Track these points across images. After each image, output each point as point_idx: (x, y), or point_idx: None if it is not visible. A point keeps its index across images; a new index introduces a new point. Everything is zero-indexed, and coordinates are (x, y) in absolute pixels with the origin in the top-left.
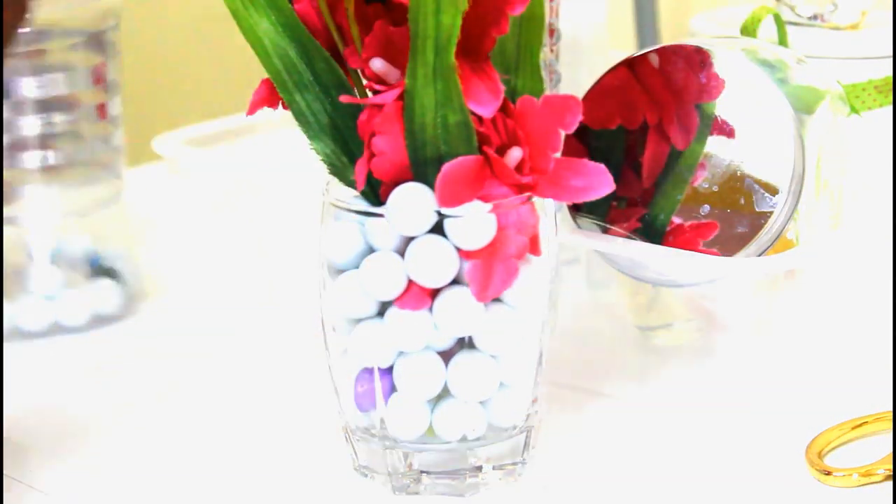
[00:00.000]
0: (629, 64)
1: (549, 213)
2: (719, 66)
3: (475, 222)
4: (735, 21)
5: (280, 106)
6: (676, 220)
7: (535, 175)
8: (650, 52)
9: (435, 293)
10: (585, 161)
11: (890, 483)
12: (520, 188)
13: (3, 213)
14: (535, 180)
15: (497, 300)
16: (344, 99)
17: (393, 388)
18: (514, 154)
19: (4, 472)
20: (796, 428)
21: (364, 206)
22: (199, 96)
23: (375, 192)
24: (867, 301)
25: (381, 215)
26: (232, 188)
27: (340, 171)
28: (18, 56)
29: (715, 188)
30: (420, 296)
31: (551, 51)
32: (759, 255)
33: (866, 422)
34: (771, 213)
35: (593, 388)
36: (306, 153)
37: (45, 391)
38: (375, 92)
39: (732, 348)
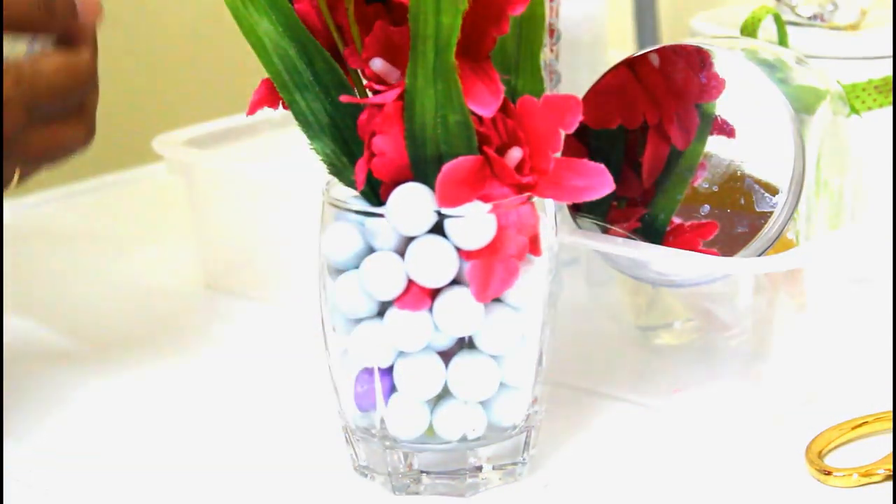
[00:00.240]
0: (629, 64)
1: (549, 213)
2: (719, 66)
3: (475, 222)
4: (735, 21)
5: (280, 106)
6: (676, 220)
7: (535, 175)
8: (650, 52)
9: (435, 293)
10: (585, 161)
11: (890, 483)
12: (520, 188)
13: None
14: (535, 180)
15: (497, 300)
16: (344, 99)
17: (393, 388)
18: (514, 154)
19: (4, 472)
20: (796, 428)
21: (364, 206)
22: (199, 96)
23: (375, 192)
24: (867, 301)
25: (381, 215)
26: (232, 188)
27: (340, 171)
28: None
29: (715, 188)
30: (420, 296)
31: (551, 51)
32: (759, 255)
33: (866, 422)
34: (771, 213)
35: (593, 388)
36: (306, 153)
37: (45, 391)
38: (375, 92)
39: (732, 348)
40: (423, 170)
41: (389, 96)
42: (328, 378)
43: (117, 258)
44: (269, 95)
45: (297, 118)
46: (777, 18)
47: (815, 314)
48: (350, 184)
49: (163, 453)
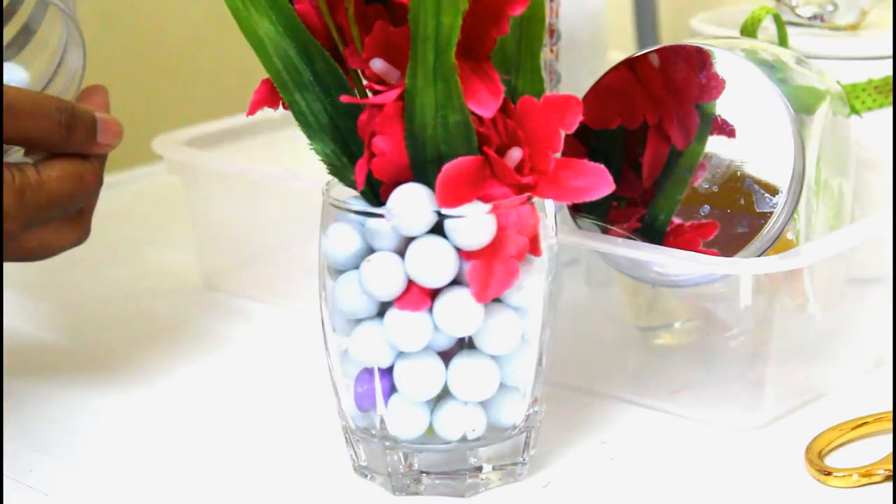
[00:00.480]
0: (629, 64)
1: (549, 213)
2: (719, 66)
3: (475, 222)
4: (735, 21)
5: (280, 106)
6: (676, 220)
7: (535, 175)
8: (650, 52)
9: (435, 293)
10: (585, 161)
11: (890, 483)
12: (520, 188)
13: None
14: (535, 180)
15: (497, 300)
16: (344, 99)
17: (393, 388)
18: (514, 154)
19: (4, 472)
20: (796, 428)
21: (364, 206)
22: (199, 96)
23: (375, 192)
24: (867, 301)
25: (381, 215)
26: (232, 188)
27: (340, 171)
28: None
29: (715, 188)
30: (420, 296)
31: (551, 51)
32: (759, 255)
33: (866, 422)
34: (771, 213)
35: (593, 388)
36: (306, 153)
37: (45, 391)
38: (375, 92)
39: (732, 348)
40: (423, 170)
41: (389, 96)
42: (328, 378)
43: (117, 258)
44: (269, 95)
45: (297, 118)
46: (777, 18)
47: (815, 314)
48: (350, 184)
49: (162, 453)
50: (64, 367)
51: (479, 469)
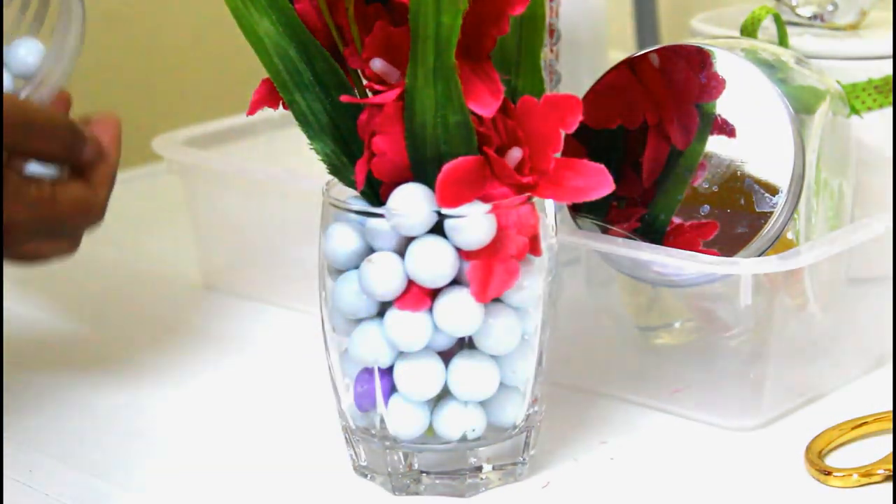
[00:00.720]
0: (629, 64)
1: (549, 213)
2: (719, 66)
3: (475, 222)
4: (735, 21)
5: (280, 106)
6: (676, 220)
7: (535, 175)
8: (650, 52)
9: (435, 293)
10: (585, 161)
11: (890, 483)
12: (520, 188)
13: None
14: (535, 180)
15: (497, 300)
16: (344, 99)
17: (393, 388)
18: (514, 154)
19: (4, 472)
20: (796, 428)
21: (364, 206)
22: (199, 96)
23: (375, 192)
24: (867, 301)
25: (381, 215)
26: (232, 188)
27: (340, 171)
28: None
29: (715, 188)
30: (420, 296)
31: (551, 51)
32: (759, 255)
33: (866, 422)
34: (771, 213)
35: (593, 388)
36: (306, 153)
37: (45, 391)
38: (375, 92)
39: (732, 348)
40: (423, 170)
41: (389, 96)
42: (328, 378)
43: (117, 258)
44: (269, 95)
45: (297, 118)
46: (777, 18)
47: (815, 314)
48: (350, 184)
49: (162, 453)
50: (64, 366)
51: (479, 469)
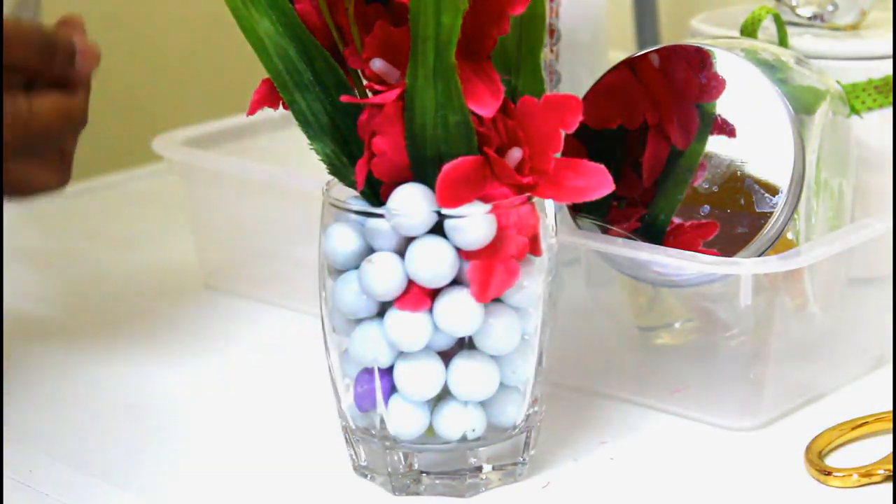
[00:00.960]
0: (629, 64)
1: (549, 213)
2: (719, 66)
3: (475, 222)
4: (735, 21)
5: (280, 106)
6: (676, 220)
7: (535, 175)
8: (650, 52)
9: (435, 293)
10: (585, 161)
11: (890, 483)
12: (520, 188)
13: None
14: (535, 180)
15: (497, 300)
16: (344, 99)
17: (393, 388)
18: (514, 154)
19: (4, 472)
20: (796, 428)
21: (364, 206)
22: (199, 96)
23: (375, 192)
24: (867, 301)
25: (381, 215)
26: (232, 188)
27: (340, 171)
28: None
29: (715, 188)
30: (420, 296)
31: (551, 51)
32: (759, 255)
33: (866, 422)
34: (771, 213)
35: (593, 388)
36: (306, 153)
37: (45, 391)
38: (375, 92)
39: (732, 348)
40: (423, 170)
41: (389, 96)
42: (328, 378)
43: (117, 258)
44: (269, 95)
45: (297, 118)
46: (777, 18)
47: (815, 314)
48: (350, 184)
49: (162, 453)
50: (64, 366)
51: (479, 469)
